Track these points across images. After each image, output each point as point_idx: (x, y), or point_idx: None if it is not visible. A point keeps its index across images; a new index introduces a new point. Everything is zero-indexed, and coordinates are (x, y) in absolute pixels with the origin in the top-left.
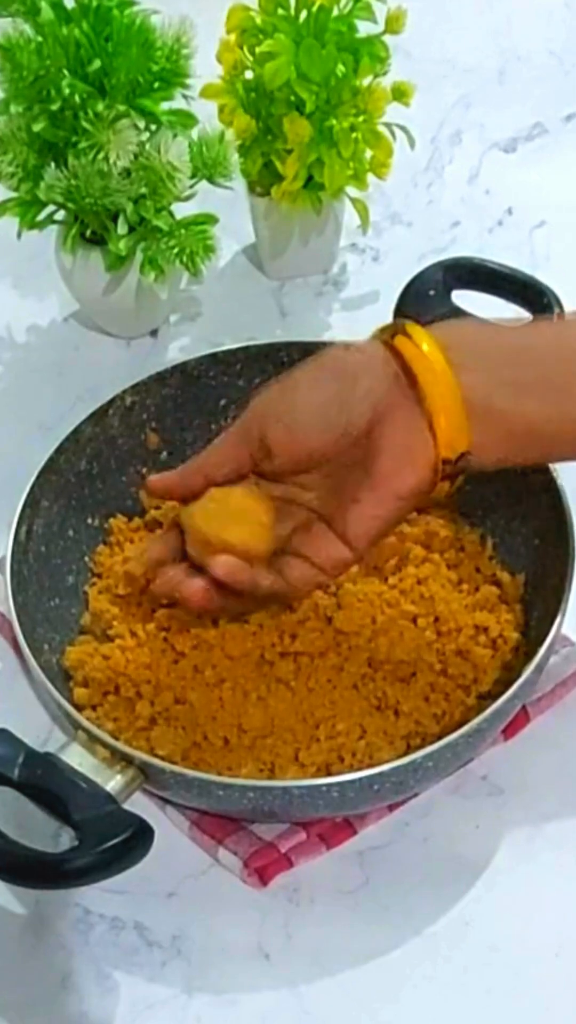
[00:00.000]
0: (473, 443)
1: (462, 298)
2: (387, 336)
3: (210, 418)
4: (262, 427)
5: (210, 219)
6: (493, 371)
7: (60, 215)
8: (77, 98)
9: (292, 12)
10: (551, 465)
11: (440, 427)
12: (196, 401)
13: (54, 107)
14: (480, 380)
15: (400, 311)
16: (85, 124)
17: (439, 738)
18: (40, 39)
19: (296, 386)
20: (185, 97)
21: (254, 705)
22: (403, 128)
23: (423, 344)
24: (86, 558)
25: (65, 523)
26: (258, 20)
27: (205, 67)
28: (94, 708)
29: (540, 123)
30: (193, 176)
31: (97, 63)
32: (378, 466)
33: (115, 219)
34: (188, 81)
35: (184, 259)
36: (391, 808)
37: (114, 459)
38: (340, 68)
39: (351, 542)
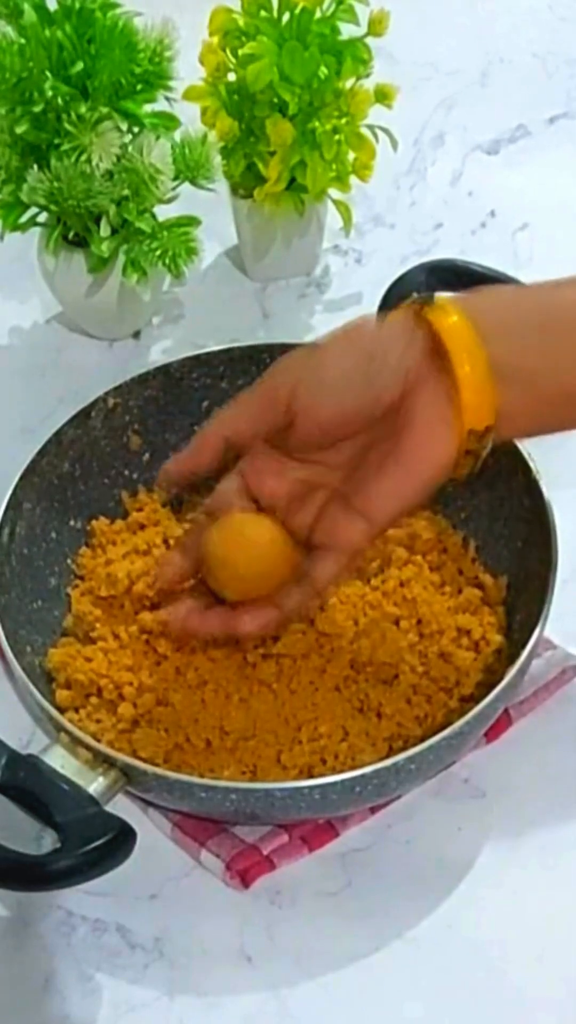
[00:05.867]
0: (503, 412)
1: None
2: (416, 307)
3: (193, 420)
4: (289, 394)
5: (193, 221)
6: (524, 339)
7: (43, 217)
8: (60, 100)
9: (275, 14)
10: (533, 467)
11: (467, 399)
12: (179, 403)
13: (37, 109)
14: (511, 349)
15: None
16: (68, 126)
17: (421, 740)
18: (23, 41)
19: (325, 355)
20: (168, 99)
21: (236, 707)
22: (386, 130)
23: (452, 316)
24: (68, 560)
25: (47, 525)
26: (241, 22)
27: (188, 69)
28: (76, 710)
29: (523, 125)
30: (176, 178)
31: (80, 65)
32: (406, 439)
33: (98, 221)
34: (171, 83)
35: (167, 261)
36: (373, 810)
37: (96, 461)
38: (323, 70)
39: (371, 516)
